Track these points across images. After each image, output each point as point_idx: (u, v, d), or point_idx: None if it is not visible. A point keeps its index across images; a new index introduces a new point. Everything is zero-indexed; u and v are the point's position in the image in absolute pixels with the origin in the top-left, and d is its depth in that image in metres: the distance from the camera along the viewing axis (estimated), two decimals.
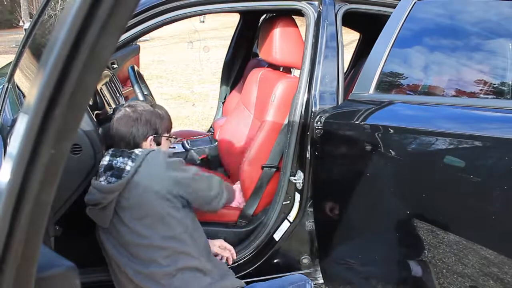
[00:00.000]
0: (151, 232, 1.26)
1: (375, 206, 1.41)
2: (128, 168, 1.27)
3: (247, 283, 1.45)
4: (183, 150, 2.25)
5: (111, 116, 1.78)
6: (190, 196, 1.37)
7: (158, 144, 1.44)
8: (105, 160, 1.32)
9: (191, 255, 1.32)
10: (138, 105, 1.43)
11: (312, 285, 1.51)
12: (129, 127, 1.37)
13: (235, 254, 1.62)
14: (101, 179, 1.29)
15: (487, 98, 1.26)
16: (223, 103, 3.01)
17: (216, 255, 1.56)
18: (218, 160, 2.25)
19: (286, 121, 1.69)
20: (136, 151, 1.32)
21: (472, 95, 1.28)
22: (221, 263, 1.49)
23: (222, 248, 1.58)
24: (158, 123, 1.42)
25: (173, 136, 1.50)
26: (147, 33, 1.55)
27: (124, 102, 2.10)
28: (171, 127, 1.50)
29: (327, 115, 1.54)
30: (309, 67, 1.64)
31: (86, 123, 1.37)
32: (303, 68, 1.66)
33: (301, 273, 1.57)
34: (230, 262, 1.60)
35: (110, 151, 1.35)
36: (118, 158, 1.30)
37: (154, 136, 1.41)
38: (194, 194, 1.38)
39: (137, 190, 1.26)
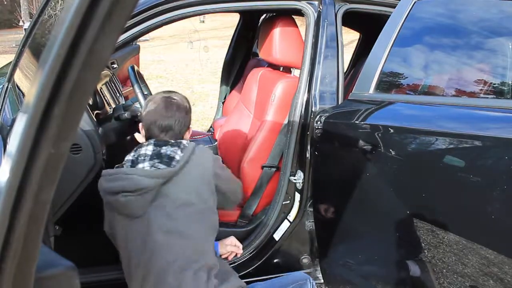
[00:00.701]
0: (189, 223, 1.25)
1: (375, 205, 1.41)
2: (177, 157, 1.25)
3: (247, 282, 1.45)
4: None
5: (111, 116, 1.79)
6: (223, 195, 1.39)
7: None
8: (149, 150, 1.27)
9: (210, 253, 1.30)
10: (179, 95, 1.39)
11: (314, 283, 1.50)
12: (183, 118, 1.34)
13: (241, 250, 1.62)
14: (141, 165, 1.24)
15: (487, 98, 1.25)
16: (223, 103, 3.01)
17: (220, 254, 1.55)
18: None
19: (286, 121, 1.69)
20: (184, 141, 1.30)
21: (472, 95, 1.28)
22: (224, 262, 1.48)
23: (233, 245, 1.57)
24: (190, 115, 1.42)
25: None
26: (146, 33, 1.55)
27: (124, 102, 2.09)
28: None
29: (327, 115, 1.54)
30: (309, 67, 1.64)
31: (86, 123, 1.37)
32: (303, 68, 1.66)
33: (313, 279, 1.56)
34: (231, 257, 1.59)
35: (152, 141, 1.29)
36: (166, 147, 1.27)
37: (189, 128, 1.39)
38: (227, 193, 1.41)
39: (185, 180, 1.25)
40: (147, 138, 1.33)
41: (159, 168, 1.22)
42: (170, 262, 1.22)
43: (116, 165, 1.30)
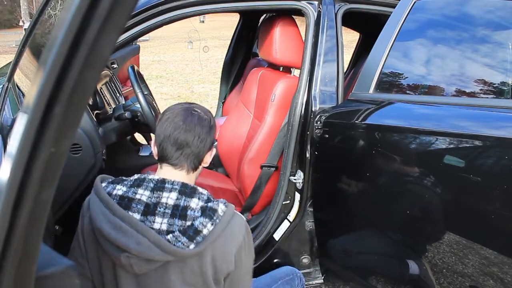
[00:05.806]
0: None
1: (375, 205, 1.41)
2: (205, 231, 0.95)
3: None
4: None
5: (111, 116, 1.79)
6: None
7: None
8: (171, 198, 0.97)
9: None
10: (202, 107, 1.10)
11: (302, 277, 1.47)
12: (205, 134, 1.03)
13: None
14: (158, 220, 0.95)
15: (487, 97, 1.26)
16: (223, 103, 3.01)
17: None
18: (218, 160, 2.25)
19: (286, 121, 1.69)
20: (219, 209, 0.97)
21: (472, 94, 1.28)
22: None
23: None
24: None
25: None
26: (147, 33, 1.55)
27: (124, 102, 2.10)
28: None
29: (327, 114, 1.54)
30: (309, 66, 1.64)
31: (86, 123, 1.37)
32: (303, 67, 1.66)
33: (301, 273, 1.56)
34: None
35: (178, 186, 0.99)
36: (196, 205, 0.97)
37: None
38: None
39: (201, 262, 0.97)
40: (160, 157, 1.04)
41: (179, 241, 0.94)
42: None
43: (120, 178, 1.02)
